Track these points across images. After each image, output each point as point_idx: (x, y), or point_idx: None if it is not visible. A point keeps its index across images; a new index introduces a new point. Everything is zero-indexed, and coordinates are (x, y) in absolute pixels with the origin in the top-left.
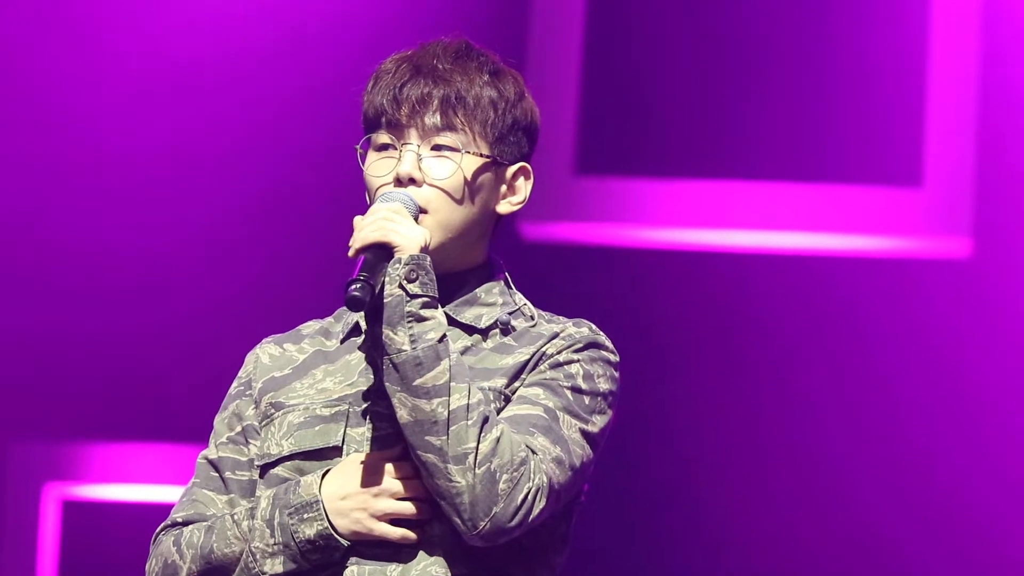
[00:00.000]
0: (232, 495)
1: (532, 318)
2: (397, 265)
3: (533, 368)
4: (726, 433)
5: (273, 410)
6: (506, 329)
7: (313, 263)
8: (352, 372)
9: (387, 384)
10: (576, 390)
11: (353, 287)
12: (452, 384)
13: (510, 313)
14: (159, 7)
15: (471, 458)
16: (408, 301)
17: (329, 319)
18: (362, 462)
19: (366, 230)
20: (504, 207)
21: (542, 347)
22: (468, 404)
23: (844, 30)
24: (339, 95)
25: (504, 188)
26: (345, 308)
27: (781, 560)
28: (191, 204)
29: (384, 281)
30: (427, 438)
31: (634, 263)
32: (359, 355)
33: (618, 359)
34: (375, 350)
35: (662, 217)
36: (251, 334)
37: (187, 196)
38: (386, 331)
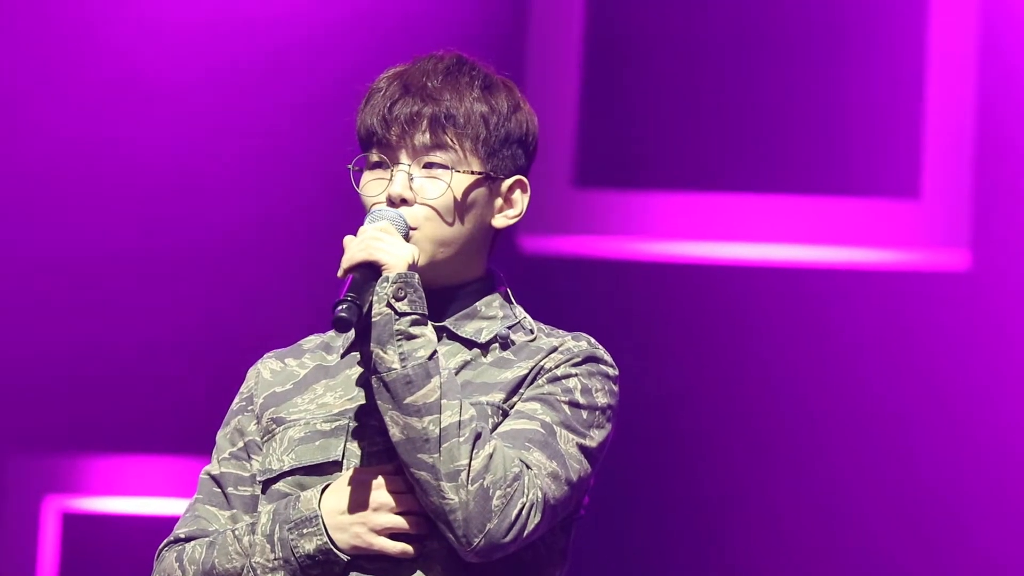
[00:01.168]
0: (235, 511)
1: (532, 332)
2: (384, 284)
3: (531, 382)
4: (726, 445)
5: (274, 425)
6: (505, 343)
7: (316, 277)
8: (352, 387)
9: (379, 402)
10: (574, 404)
11: (340, 308)
12: (443, 401)
13: (510, 327)
14: (168, 12)
15: (464, 475)
16: (397, 319)
17: (330, 333)
18: (361, 476)
19: (353, 250)
20: (500, 221)
21: (540, 361)
22: (460, 421)
23: (842, 42)
24: (340, 106)
25: (500, 202)
26: None
27: (784, 573)
28: (194, 217)
29: (372, 300)
30: (419, 456)
31: (633, 276)
32: (359, 370)
33: (617, 373)
34: (366, 369)
35: (661, 230)
36: (252, 347)
37: (190, 209)
38: (375, 350)
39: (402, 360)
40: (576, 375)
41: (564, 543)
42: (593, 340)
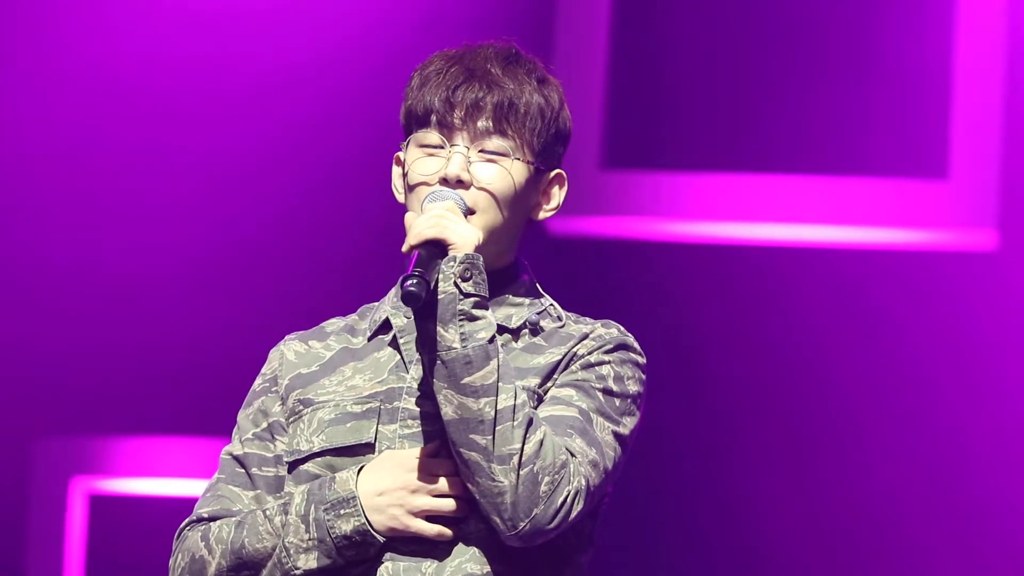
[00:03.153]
0: (259, 491)
1: (560, 319)
2: (452, 263)
3: (565, 368)
4: (753, 429)
5: (302, 407)
6: (535, 329)
7: (334, 262)
8: (382, 370)
9: (435, 381)
10: (607, 392)
11: (409, 282)
12: (500, 384)
13: (538, 313)
14: (184, 11)
15: (515, 459)
16: (461, 299)
17: (353, 316)
18: (398, 458)
19: (423, 226)
20: (540, 213)
21: (573, 347)
22: (515, 405)
23: (870, 22)
24: (365, 98)
25: (541, 195)
26: (370, 305)
27: (809, 559)
28: (214, 203)
29: (438, 278)
30: (472, 436)
31: (660, 257)
32: (388, 352)
33: (645, 361)
34: (422, 347)
35: (688, 211)
36: (273, 328)
37: (212, 195)
38: (438, 328)
39: (463, 340)
40: (609, 362)
41: (591, 528)
42: (622, 327)
